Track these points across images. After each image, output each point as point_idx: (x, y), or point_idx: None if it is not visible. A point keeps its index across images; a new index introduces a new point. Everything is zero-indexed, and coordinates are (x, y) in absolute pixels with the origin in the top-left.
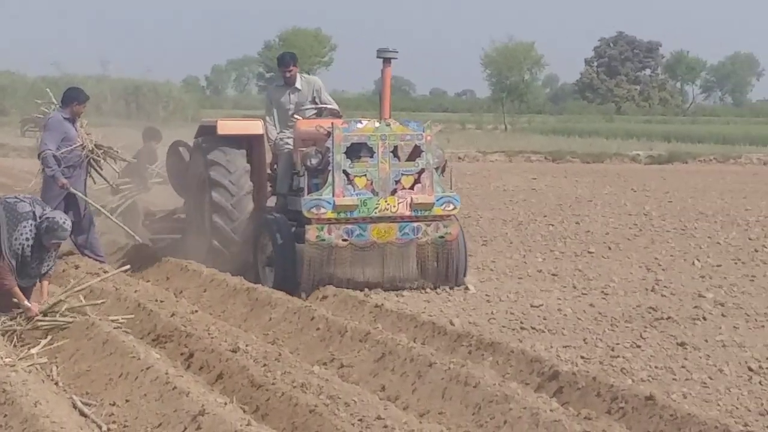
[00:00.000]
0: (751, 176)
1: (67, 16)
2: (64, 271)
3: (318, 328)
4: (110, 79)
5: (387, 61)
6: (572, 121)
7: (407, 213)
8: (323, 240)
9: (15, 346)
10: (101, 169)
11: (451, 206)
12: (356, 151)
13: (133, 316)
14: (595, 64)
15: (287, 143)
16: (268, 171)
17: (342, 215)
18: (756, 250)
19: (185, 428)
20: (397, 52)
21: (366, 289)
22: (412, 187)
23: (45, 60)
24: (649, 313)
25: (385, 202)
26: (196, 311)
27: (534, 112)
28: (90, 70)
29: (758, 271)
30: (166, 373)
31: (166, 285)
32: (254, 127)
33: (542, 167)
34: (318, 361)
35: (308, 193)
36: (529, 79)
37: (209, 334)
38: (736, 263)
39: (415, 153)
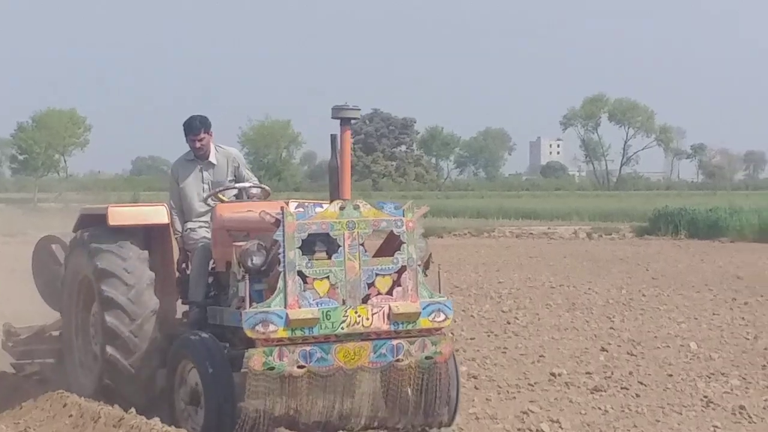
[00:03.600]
0: (504, 249)
1: None
2: None
3: (71, 415)
4: None
5: (346, 122)
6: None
7: (384, 327)
8: (272, 368)
9: None
10: None
11: (442, 316)
12: (311, 244)
13: None
14: (353, 140)
15: (203, 235)
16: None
17: (298, 333)
18: (508, 322)
19: None
20: (358, 110)
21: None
22: (389, 292)
23: None
24: None
25: (355, 313)
26: None
27: (292, 189)
28: None
29: (510, 342)
30: None
31: None
32: (157, 214)
33: None
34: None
35: (250, 305)
36: (287, 156)
37: None
38: (488, 335)
39: (391, 244)
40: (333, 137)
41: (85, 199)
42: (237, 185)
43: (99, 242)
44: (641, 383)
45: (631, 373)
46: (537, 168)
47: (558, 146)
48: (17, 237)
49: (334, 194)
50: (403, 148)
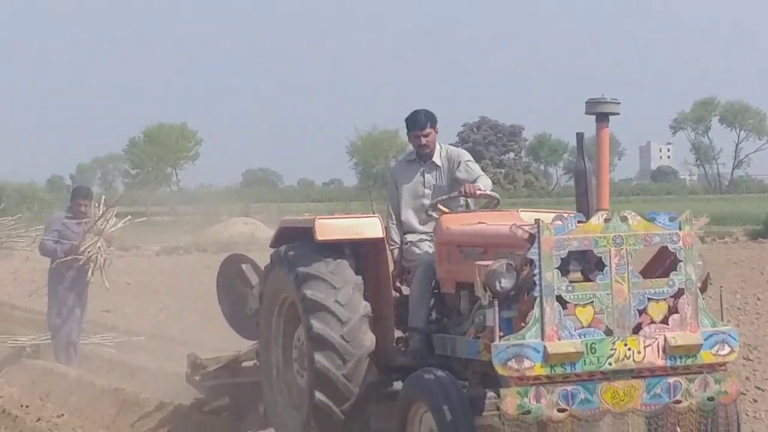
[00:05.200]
0: None
1: None
2: None
3: (188, 428)
4: None
5: (603, 117)
6: None
7: (659, 362)
8: (528, 412)
9: None
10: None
11: (727, 349)
12: (564, 263)
13: None
14: (460, 147)
15: (426, 250)
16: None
17: (557, 370)
18: None
19: None
20: (618, 103)
21: None
22: (664, 320)
23: None
24: None
25: (624, 345)
26: (62, 415)
27: None
28: None
29: None
30: None
31: (32, 389)
32: (371, 227)
33: None
34: None
35: (500, 336)
36: None
37: None
38: None
39: (660, 263)
40: (579, 136)
41: (197, 211)
42: (464, 194)
43: (306, 264)
44: (758, 388)
45: (747, 378)
46: (647, 173)
47: (668, 150)
48: (130, 251)
49: (582, 203)
50: (512, 155)
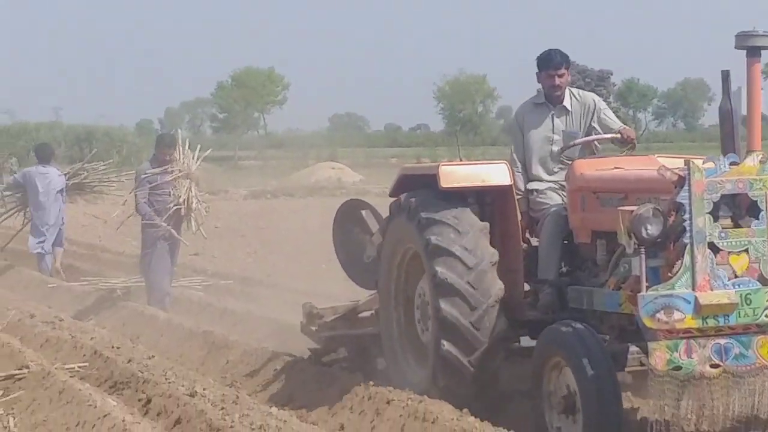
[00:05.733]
0: None
1: (18, 64)
2: (19, 320)
3: (275, 370)
4: (63, 126)
5: (754, 52)
6: None
7: None
8: (678, 367)
9: None
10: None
11: None
12: (714, 209)
13: (88, 363)
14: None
15: (554, 199)
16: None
17: (710, 323)
18: None
19: None
20: None
21: None
22: None
23: None
24: None
25: None
26: (153, 356)
27: (488, 144)
28: (43, 116)
29: None
30: (123, 420)
31: (122, 331)
32: (498, 174)
33: None
34: (276, 402)
35: (646, 286)
36: (483, 111)
37: (166, 378)
38: None
39: None
40: (725, 74)
41: (284, 156)
42: (593, 137)
43: (430, 211)
44: None
45: None
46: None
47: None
48: (218, 195)
49: (727, 145)
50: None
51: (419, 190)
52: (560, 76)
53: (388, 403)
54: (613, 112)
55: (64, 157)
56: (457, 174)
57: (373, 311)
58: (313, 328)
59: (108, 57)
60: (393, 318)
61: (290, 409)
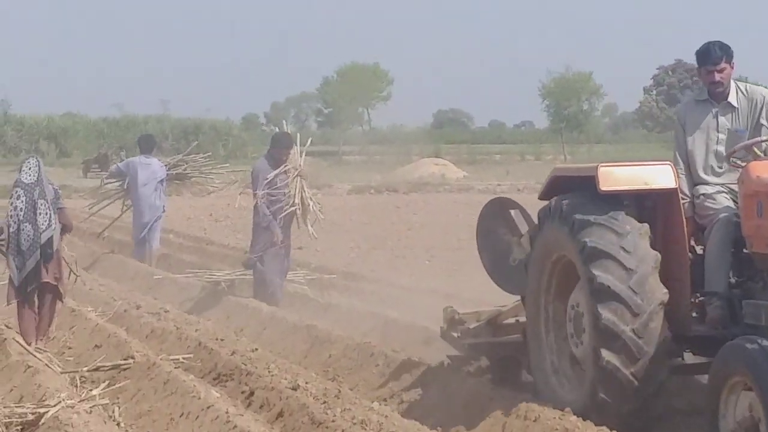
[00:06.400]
0: None
1: (127, 57)
2: (125, 311)
3: (377, 365)
4: (171, 119)
5: None
6: (632, 150)
7: None
8: None
9: (77, 387)
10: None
11: None
12: None
13: (192, 355)
14: (654, 92)
15: (724, 204)
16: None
17: None
18: None
19: None
20: None
21: None
22: None
23: (106, 101)
24: None
25: None
26: (256, 349)
27: (593, 141)
28: (151, 109)
29: None
30: (227, 412)
31: (227, 323)
32: (662, 176)
33: None
34: (378, 397)
35: None
36: (588, 108)
37: (269, 371)
38: None
39: None
40: None
41: (388, 151)
42: (761, 139)
43: (584, 213)
44: None
45: None
46: None
47: None
48: (322, 189)
49: None
50: None
51: (571, 194)
52: (719, 71)
53: (490, 400)
54: None
55: (171, 150)
56: (617, 175)
57: (517, 318)
58: (455, 335)
59: (215, 50)
60: (540, 329)
61: (392, 405)
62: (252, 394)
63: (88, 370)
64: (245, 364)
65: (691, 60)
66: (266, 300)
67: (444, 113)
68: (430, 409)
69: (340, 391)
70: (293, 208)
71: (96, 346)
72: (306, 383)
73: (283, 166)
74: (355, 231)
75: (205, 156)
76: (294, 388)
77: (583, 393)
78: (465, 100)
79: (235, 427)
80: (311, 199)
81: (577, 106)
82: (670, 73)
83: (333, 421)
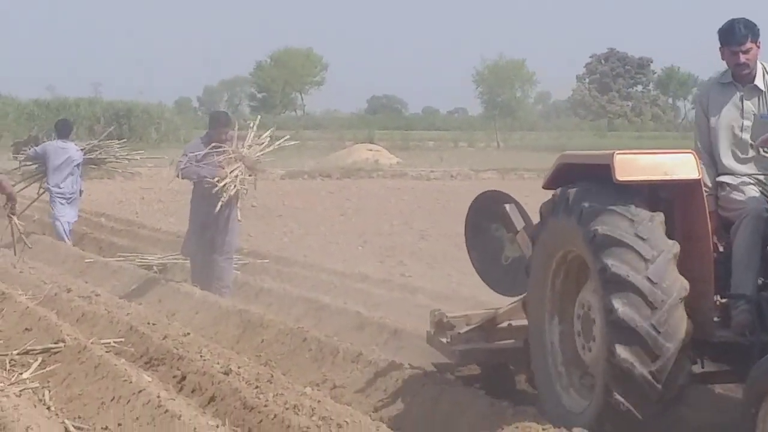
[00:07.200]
0: None
1: (58, 39)
2: (56, 294)
3: (310, 350)
4: (102, 102)
5: None
6: (565, 137)
7: None
8: None
9: (6, 370)
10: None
11: None
12: None
13: (124, 339)
14: (587, 80)
15: (751, 195)
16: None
17: None
18: None
19: None
20: None
21: None
22: None
23: (37, 83)
24: None
25: None
26: (189, 333)
27: (526, 129)
28: (82, 92)
29: None
30: (158, 397)
31: (158, 307)
32: (684, 165)
33: (535, 185)
34: (310, 382)
35: None
36: (521, 96)
37: (201, 356)
38: None
39: None
40: None
41: (322, 137)
42: None
43: (593, 201)
44: None
45: None
46: None
47: None
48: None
49: None
50: (640, 88)
51: (580, 183)
52: (745, 52)
53: (422, 385)
54: (653, 100)
55: (102, 134)
56: (636, 164)
57: (510, 322)
58: (444, 340)
59: (147, 33)
60: (546, 338)
61: (324, 390)
62: (184, 378)
63: (17, 354)
64: (177, 349)
65: (623, 48)
66: (207, 285)
67: (378, 99)
68: (362, 394)
69: (272, 376)
70: (217, 188)
71: (26, 329)
72: (238, 368)
73: (217, 145)
74: (288, 216)
75: (121, 142)
76: (226, 373)
77: (594, 400)
78: (399, 86)
79: (167, 411)
80: (239, 183)
81: (511, 94)
82: (602, 61)
83: (265, 405)
